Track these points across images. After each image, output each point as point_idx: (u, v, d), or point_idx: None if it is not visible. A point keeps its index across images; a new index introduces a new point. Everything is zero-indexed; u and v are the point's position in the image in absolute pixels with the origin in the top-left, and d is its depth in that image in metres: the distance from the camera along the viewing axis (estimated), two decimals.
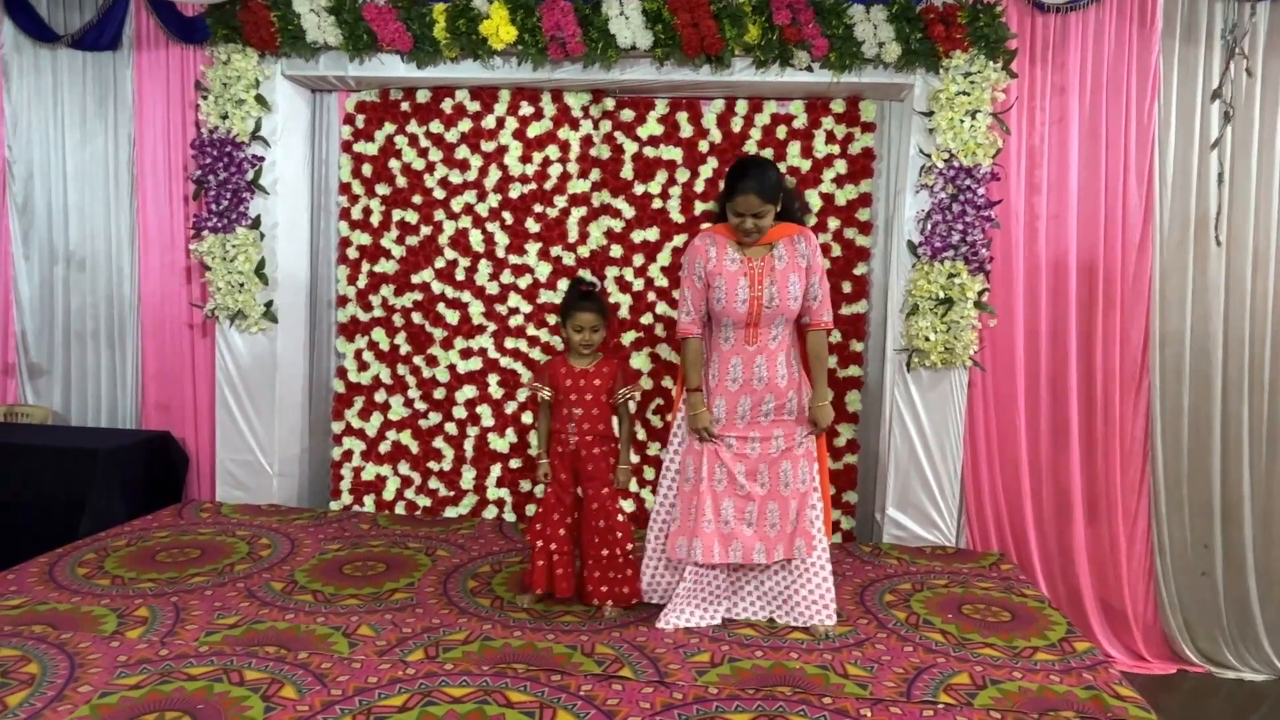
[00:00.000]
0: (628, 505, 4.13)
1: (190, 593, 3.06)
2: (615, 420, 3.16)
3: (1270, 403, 3.78)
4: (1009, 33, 3.63)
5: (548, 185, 4.10)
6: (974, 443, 3.93)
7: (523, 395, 4.16)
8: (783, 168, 4.00)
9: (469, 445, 4.21)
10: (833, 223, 4.00)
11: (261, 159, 4.01)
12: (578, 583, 3.10)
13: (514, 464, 4.19)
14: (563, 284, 4.11)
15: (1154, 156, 3.76)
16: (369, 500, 4.25)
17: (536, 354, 4.13)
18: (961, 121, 3.62)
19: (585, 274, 4.05)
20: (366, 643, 2.71)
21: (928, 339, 3.71)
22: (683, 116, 4.03)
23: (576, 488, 3.13)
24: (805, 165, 3.99)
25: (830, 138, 3.98)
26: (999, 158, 3.69)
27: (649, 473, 4.15)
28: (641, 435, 4.16)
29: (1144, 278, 3.81)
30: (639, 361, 4.14)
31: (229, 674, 2.48)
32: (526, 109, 4.07)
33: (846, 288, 4.01)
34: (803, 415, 2.97)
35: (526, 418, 4.14)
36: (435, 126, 4.12)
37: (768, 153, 4.00)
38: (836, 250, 4.00)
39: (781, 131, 4.00)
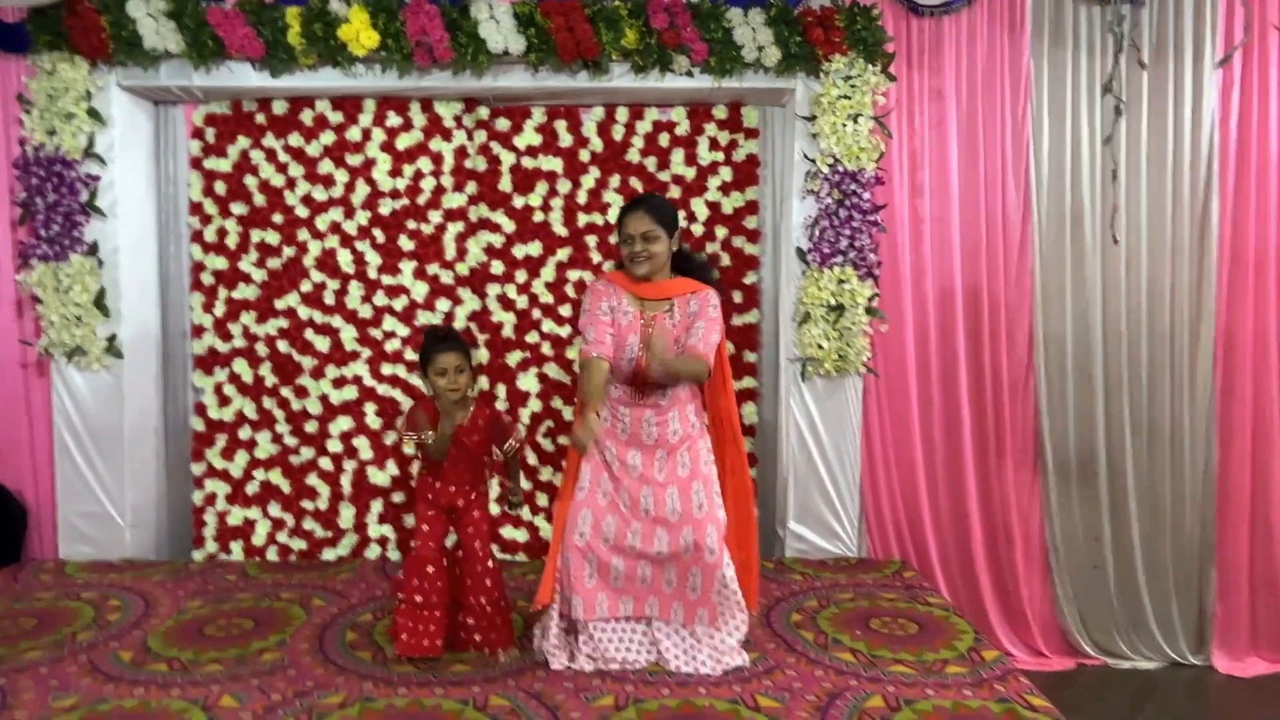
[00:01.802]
0: (520, 535, 3.92)
1: (22, 671, 2.68)
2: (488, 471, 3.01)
3: (1150, 397, 3.87)
4: (886, 35, 3.62)
5: (421, 200, 3.86)
6: (870, 449, 3.89)
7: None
8: (667, 176, 3.88)
9: (346, 481, 3.91)
10: (720, 231, 3.90)
11: (97, 178, 3.63)
12: (449, 634, 2.87)
13: (396, 498, 3.91)
14: (441, 304, 3.88)
15: (1030, 156, 3.81)
16: (236, 547, 3.90)
17: (416, 380, 3.86)
18: (844, 125, 3.58)
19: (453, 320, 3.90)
20: (229, 716, 2.42)
21: (821, 347, 3.65)
22: (561, 125, 3.86)
23: (446, 538, 2.93)
24: (690, 173, 3.88)
25: (714, 144, 3.88)
26: (882, 162, 3.66)
27: (541, 499, 3.95)
28: (532, 460, 3.95)
29: (1025, 277, 3.85)
30: (526, 382, 3.93)
31: None
32: (394, 119, 3.82)
33: (738, 298, 3.91)
34: (696, 465, 2.81)
35: (408, 448, 3.86)
36: (295, 139, 3.83)
37: (650, 160, 3.88)
38: (726, 260, 3.90)
39: (664, 139, 3.88)
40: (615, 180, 3.88)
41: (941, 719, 2.42)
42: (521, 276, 3.91)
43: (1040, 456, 3.92)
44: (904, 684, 2.62)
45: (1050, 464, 3.91)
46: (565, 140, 3.87)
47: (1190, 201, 3.79)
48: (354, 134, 3.82)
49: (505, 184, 3.88)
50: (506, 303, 3.93)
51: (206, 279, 3.90)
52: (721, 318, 2.80)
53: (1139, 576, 3.92)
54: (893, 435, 3.90)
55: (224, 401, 3.92)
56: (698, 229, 3.89)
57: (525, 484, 3.89)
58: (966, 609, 3.84)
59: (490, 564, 2.87)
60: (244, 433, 3.92)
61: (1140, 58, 3.73)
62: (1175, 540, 3.92)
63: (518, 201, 3.89)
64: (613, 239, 3.77)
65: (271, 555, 3.90)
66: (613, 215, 3.88)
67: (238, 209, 3.87)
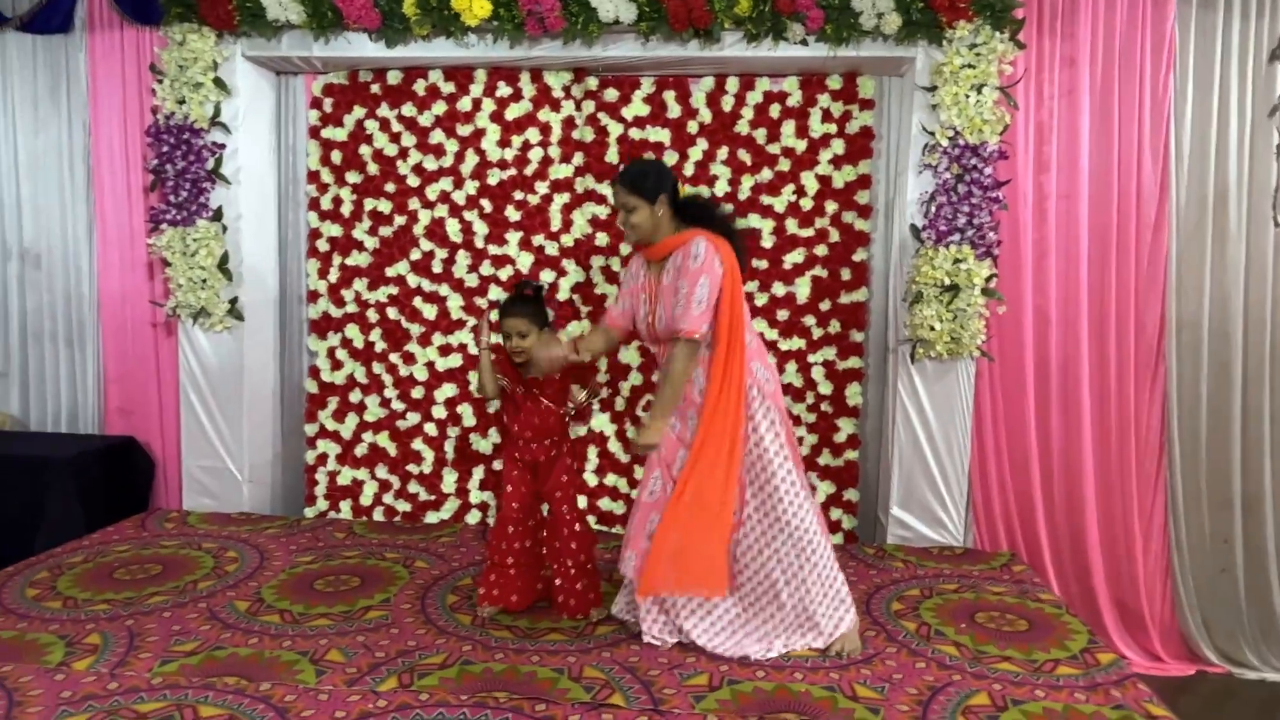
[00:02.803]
0: (618, 507, 3.93)
1: (148, 615, 2.84)
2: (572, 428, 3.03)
3: None
4: (1016, 1, 3.41)
5: (528, 171, 3.87)
6: (981, 437, 3.73)
7: None
8: (776, 149, 3.78)
9: (449, 447, 3.99)
10: (830, 206, 3.78)
11: (222, 146, 3.76)
12: (536, 595, 2.96)
13: (497, 465, 3.97)
14: (546, 275, 3.89)
15: (1169, 131, 3.56)
16: (345, 506, 4.03)
17: None
18: (967, 96, 3.40)
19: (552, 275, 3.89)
20: (335, 670, 2.50)
21: (933, 328, 3.50)
22: (670, 95, 3.80)
23: (537, 499, 2.97)
24: (801, 145, 3.76)
25: (827, 116, 3.75)
26: (1006, 135, 3.48)
27: (640, 472, 3.93)
28: (632, 433, 3.94)
29: (1160, 260, 3.61)
30: (627, 355, 3.92)
31: (182, 710, 2.26)
32: (504, 89, 3.82)
33: (845, 275, 3.79)
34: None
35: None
36: (408, 109, 3.88)
37: (760, 132, 3.77)
38: (835, 235, 3.78)
39: (775, 110, 3.77)
40: (723, 152, 3.80)
41: None
42: (626, 249, 3.89)
43: (1167, 450, 3.69)
44: (1011, 683, 2.51)
45: (1179, 460, 3.67)
46: (674, 111, 3.80)
47: None
48: (465, 104, 3.85)
49: (612, 155, 3.85)
50: (610, 275, 3.91)
51: (322, 246, 4.01)
52: (710, 267, 2.57)
53: (1272, 581, 3.66)
54: (1006, 423, 3.73)
55: (336, 365, 4.04)
56: (806, 203, 3.78)
57: (618, 448, 3.92)
58: (1079, 608, 3.67)
59: (577, 527, 2.88)
60: (354, 396, 4.03)
61: None
62: None
63: None
64: None
65: (377, 515, 4.02)
66: (720, 188, 3.81)
67: (352, 178, 3.96)
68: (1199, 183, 3.58)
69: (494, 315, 2.92)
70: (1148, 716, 2.33)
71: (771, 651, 2.64)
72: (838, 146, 3.75)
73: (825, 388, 3.84)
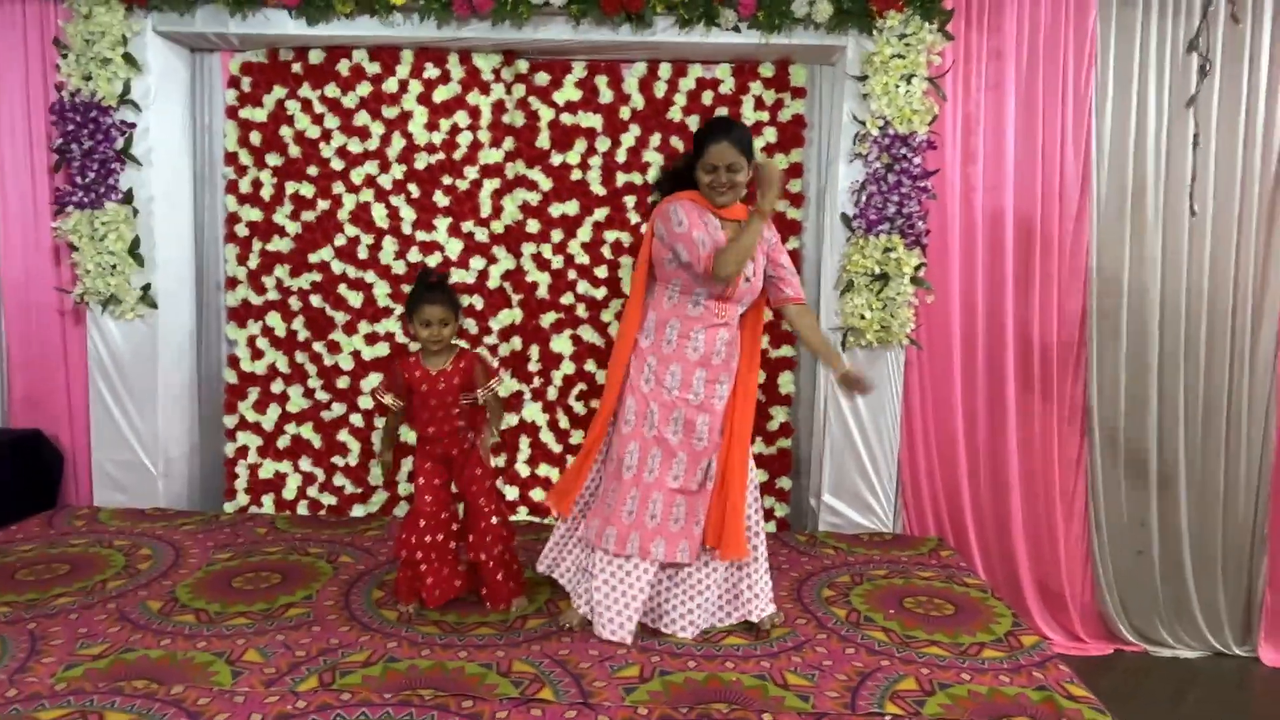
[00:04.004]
0: (537, 494, 3.88)
1: (51, 617, 2.70)
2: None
3: (1206, 378, 3.72)
4: None
5: (457, 155, 3.77)
6: (910, 424, 3.78)
7: None
8: None
9: (376, 438, 3.88)
10: None
11: (132, 125, 3.58)
12: (455, 591, 2.87)
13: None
14: (475, 262, 3.81)
15: (1091, 124, 3.64)
16: (268, 500, 3.90)
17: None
18: (896, 86, 3.42)
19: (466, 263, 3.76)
20: (253, 670, 2.40)
21: (863, 317, 3.53)
22: (602, 80, 3.75)
23: (451, 491, 2.89)
24: None
25: (759, 104, 3.74)
26: (934, 125, 3.51)
27: (571, 460, 3.89)
28: (564, 424, 3.90)
29: (1081, 250, 3.69)
30: (559, 344, 3.87)
31: (87, 716, 2.15)
32: (432, 71, 3.72)
33: None
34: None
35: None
36: (331, 90, 3.75)
37: (693, 119, 3.75)
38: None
39: (708, 97, 3.75)
40: (656, 139, 3.77)
41: (977, 705, 2.34)
42: (558, 236, 3.83)
43: (1088, 437, 3.79)
44: (938, 667, 2.54)
45: (1098, 445, 3.77)
46: (606, 96, 3.75)
47: (1262, 172, 3.59)
48: (391, 85, 3.73)
49: (543, 140, 3.79)
50: (542, 262, 3.85)
51: (241, 230, 3.86)
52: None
53: (1186, 562, 3.80)
54: (934, 410, 3.79)
55: (257, 355, 3.90)
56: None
57: (550, 439, 3.87)
58: (1004, 591, 3.75)
59: (494, 520, 2.83)
60: (276, 386, 3.90)
61: (1234, 11, 3.51)
62: (1226, 526, 3.79)
63: (555, 159, 3.80)
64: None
65: (302, 510, 3.90)
66: (652, 175, 3.77)
67: (273, 160, 3.81)
68: (1119, 175, 3.67)
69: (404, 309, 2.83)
70: (1069, 697, 2.38)
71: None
72: (770, 135, 3.75)
73: (758, 376, 3.83)
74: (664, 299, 2.70)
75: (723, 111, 3.73)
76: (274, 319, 3.87)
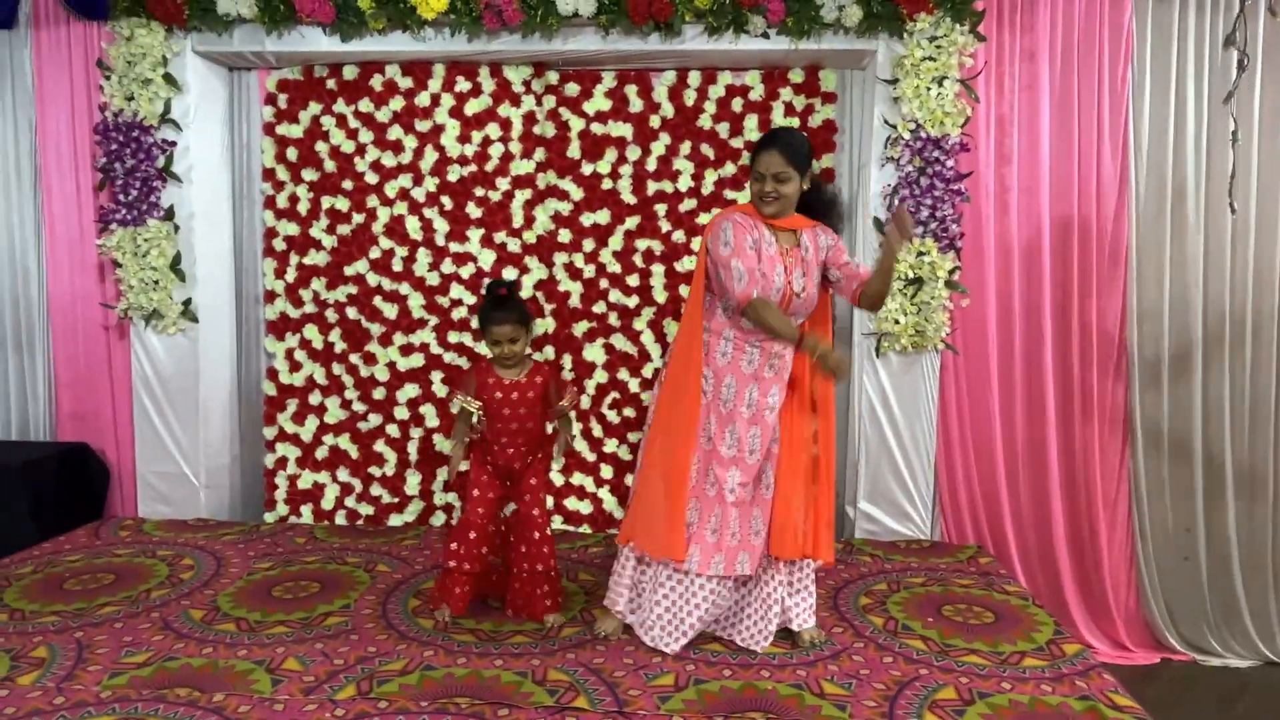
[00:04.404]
0: (584, 506, 3.89)
1: (98, 626, 2.76)
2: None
3: (1253, 380, 3.63)
4: None
5: (489, 167, 3.81)
6: (947, 429, 3.73)
7: None
8: (740, 143, 3.76)
9: (413, 448, 3.92)
10: None
11: (173, 144, 3.67)
12: (474, 599, 2.89)
13: (462, 466, 3.90)
14: (508, 273, 3.84)
15: (1128, 123, 3.57)
16: (306, 510, 3.95)
17: (482, 348, 3.84)
18: (928, 89, 3.40)
19: (516, 272, 3.82)
20: (292, 679, 2.44)
21: (897, 321, 3.50)
22: (632, 90, 3.76)
23: (502, 504, 2.91)
24: None
25: (789, 110, 3.73)
26: (967, 127, 3.48)
27: (606, 471, 3.90)
28: (598, 432, 3.91)
29: (1120, 250, 3.63)
30: (592, 353, 3.88)
31: None
32: (463, 84, 3.77)
33: None
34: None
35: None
36: (365, 105, 3.81)
37: (723, 126, 3.75)
38: None
39: (737, 104, 3.75)
40: (686, 147, 3.77)
41: (1018, 714, 2.30)
42: (589, 245, 3.84)
43: (1131, 442, 3.71)
44: (978, 676, 2.50)
45: (1141, 450, 3.70)
46: (635, 105, 3.77)
47: None
48: (423, 99, 3.78)
49: (574, 150, 3.81)
50: (574, 272, 3.87)
51: (278, 245, 3.93)
52: None
53: (1234, 569, 3.70)
54: (971, 415, 3.74)
55: (295, 367, 3.96)
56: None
57: (583, 447, 3.87)
58: (1045, 599, 3.68)
59: (547, 531, 2.84)
60: (314, 398, 3.96)
61: (1272, 4, 3.44)
62: (1276, 531, 3.69)
63: (586, 169, 3.81)
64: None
65: (340, 519, 3.94)
66: (683, 183, 3.78)
67: (309, 175, 3.88)
68: (1158, 173, 3.60)
69: (475, 322, 2.86)
70: (1113, 706, 2.33)
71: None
72: None
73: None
74: (718, 311, 2.69)
75: (753, 118, 3.73)
76: (311, 331, 3.93)
